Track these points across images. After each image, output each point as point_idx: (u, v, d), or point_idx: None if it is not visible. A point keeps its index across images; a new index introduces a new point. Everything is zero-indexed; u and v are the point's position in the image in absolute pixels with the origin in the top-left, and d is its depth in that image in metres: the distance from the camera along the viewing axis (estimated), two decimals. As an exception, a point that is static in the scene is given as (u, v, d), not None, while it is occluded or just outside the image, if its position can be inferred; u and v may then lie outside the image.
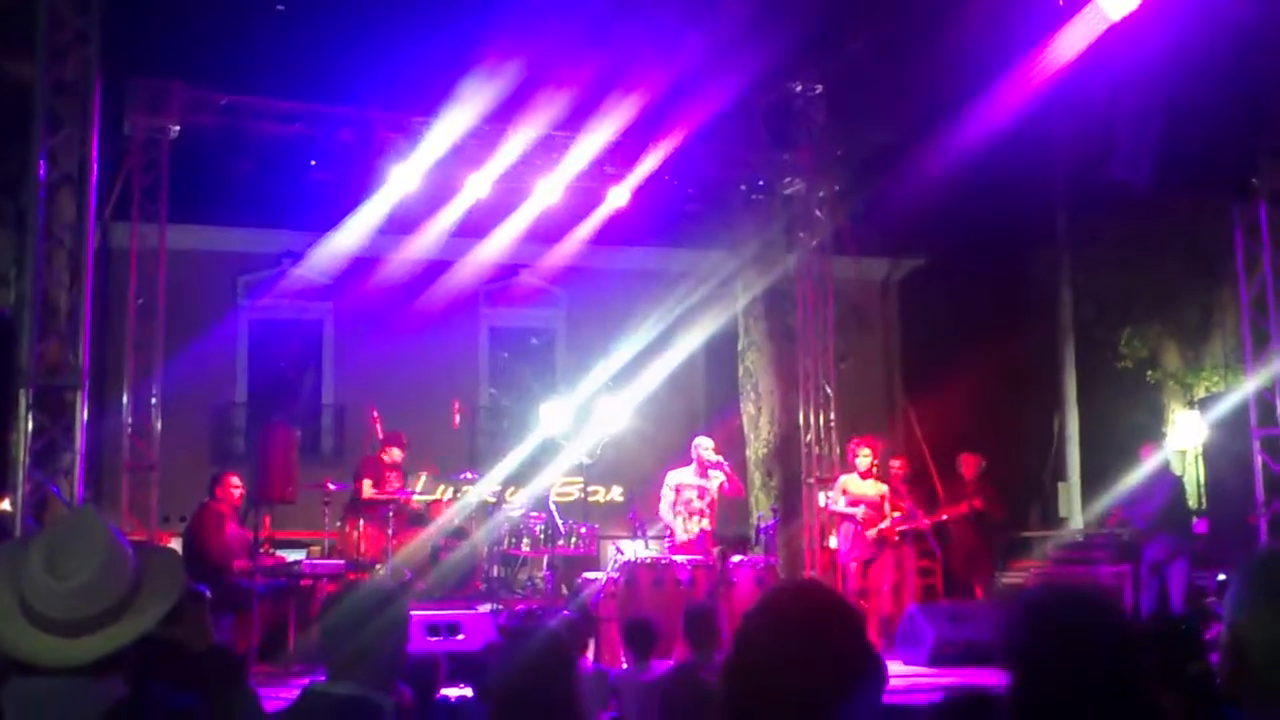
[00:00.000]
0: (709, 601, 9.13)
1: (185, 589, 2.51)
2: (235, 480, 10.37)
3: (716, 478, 10.70)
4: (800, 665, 2.12)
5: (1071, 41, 10.59)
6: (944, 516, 12.64)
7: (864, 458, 11.34)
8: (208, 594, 3.14)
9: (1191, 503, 13.57)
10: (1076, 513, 17.26)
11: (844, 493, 11.38)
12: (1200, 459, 14.12)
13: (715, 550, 10.25)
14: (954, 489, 12.58)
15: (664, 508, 10.67)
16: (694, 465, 10.73)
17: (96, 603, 2.19)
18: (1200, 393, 15.89)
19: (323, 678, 2.94)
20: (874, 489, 11.30)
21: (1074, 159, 15.59)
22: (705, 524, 10.61)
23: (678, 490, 10.67)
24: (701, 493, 10.67)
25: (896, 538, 11.55)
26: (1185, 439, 14.19)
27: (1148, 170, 10.17)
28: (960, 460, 12.56)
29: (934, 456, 16.01)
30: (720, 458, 10.74)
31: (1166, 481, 11.51)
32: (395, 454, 11.46)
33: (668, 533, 10.68)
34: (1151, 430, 15.68)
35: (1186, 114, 9.85)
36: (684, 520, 10.58)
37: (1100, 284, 17.54)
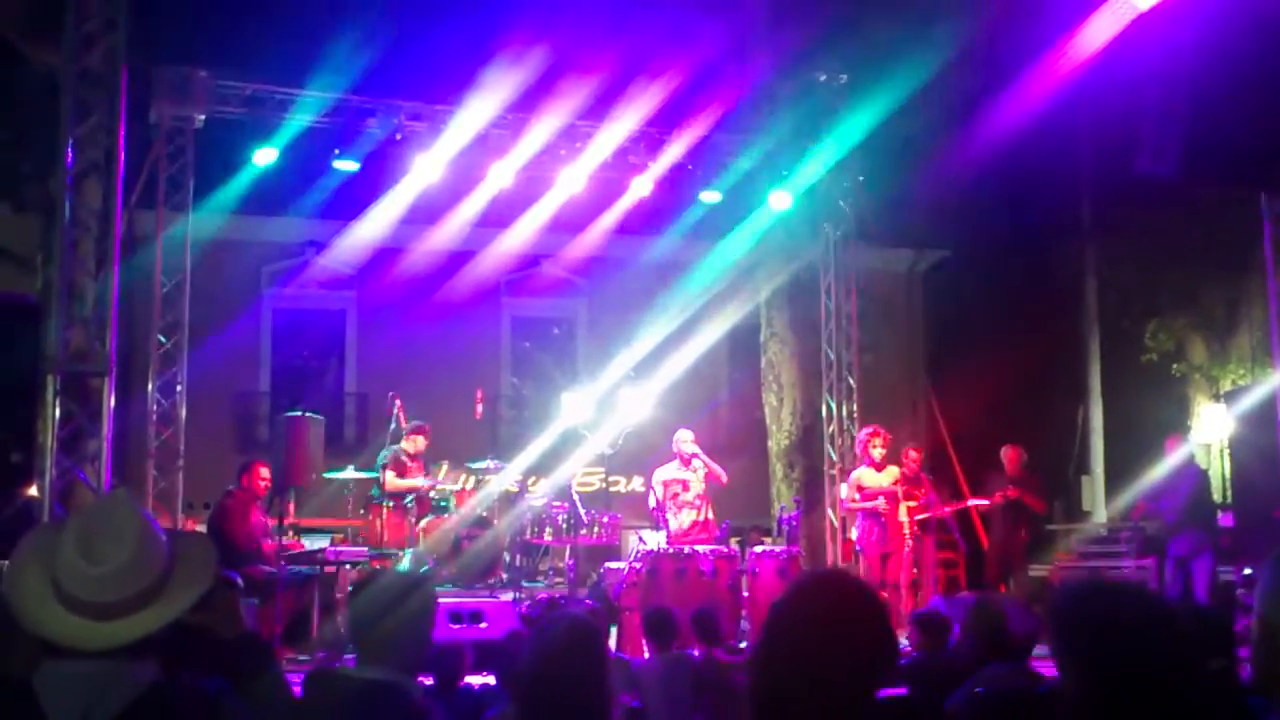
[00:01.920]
0: (724, 598, 9.16)
1: (217, 576, 2.53)
2: (264, 471, 10.41)
3: (700, 468, 10.74)
4: (827, 653, 2.12)
5: (1099, 31, 10.52)
6: (969, 505, 12.57)
7: (878, 449, 11.26)
8: (239, 582, 3.16)
9: (1217, 497, 13.47)
10: (1100, 506, 17.20)
11: (859, 489, 11.31)
12: (1226, 452, 14.03)
13: (735, 540, 10.27)
14: (994, 481, 12.51)
15: (651, 503, 10.76)
16: (676, 460, 10.80)
17: (129, 587, 2.20)
18: (1226, 385, 15.78)
19: (350, 662, 2.96)
20: (888, 477, 11.23)
21: (1099, 150, 15.51)
22: (696, 515, 10.65)
23: (665, 486, 10.75)
24: (685, 486, 10.72)
25: (916, 529, 11.49)
26: (1211, 432, 14.10)
27: (1174, 161, 10.09)
28: (1003, 453, 12.49)
29: (957, 448, 15.96)
30: (698, 449, 10.77)
31: (1191, 475, 11.44)
32: (419, 443, 11.50)
33: (663, 526, 10.69)
34: (1177, 423, 15.58)
35: (1213, 104, 9.76)
36: (674, 514, 10.63)
37: (1125, 276, 17.44)
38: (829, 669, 2.12)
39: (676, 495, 10.72)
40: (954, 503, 12.53)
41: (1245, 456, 12.20)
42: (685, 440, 10.87)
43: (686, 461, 10.80)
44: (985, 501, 12.46)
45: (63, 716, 2.13)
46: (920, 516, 11.52)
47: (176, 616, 2.25)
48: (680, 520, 10.61)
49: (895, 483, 11.18)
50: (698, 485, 10.77)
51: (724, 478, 10.96)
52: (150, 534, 2.26)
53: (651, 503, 10.79)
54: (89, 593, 2.18)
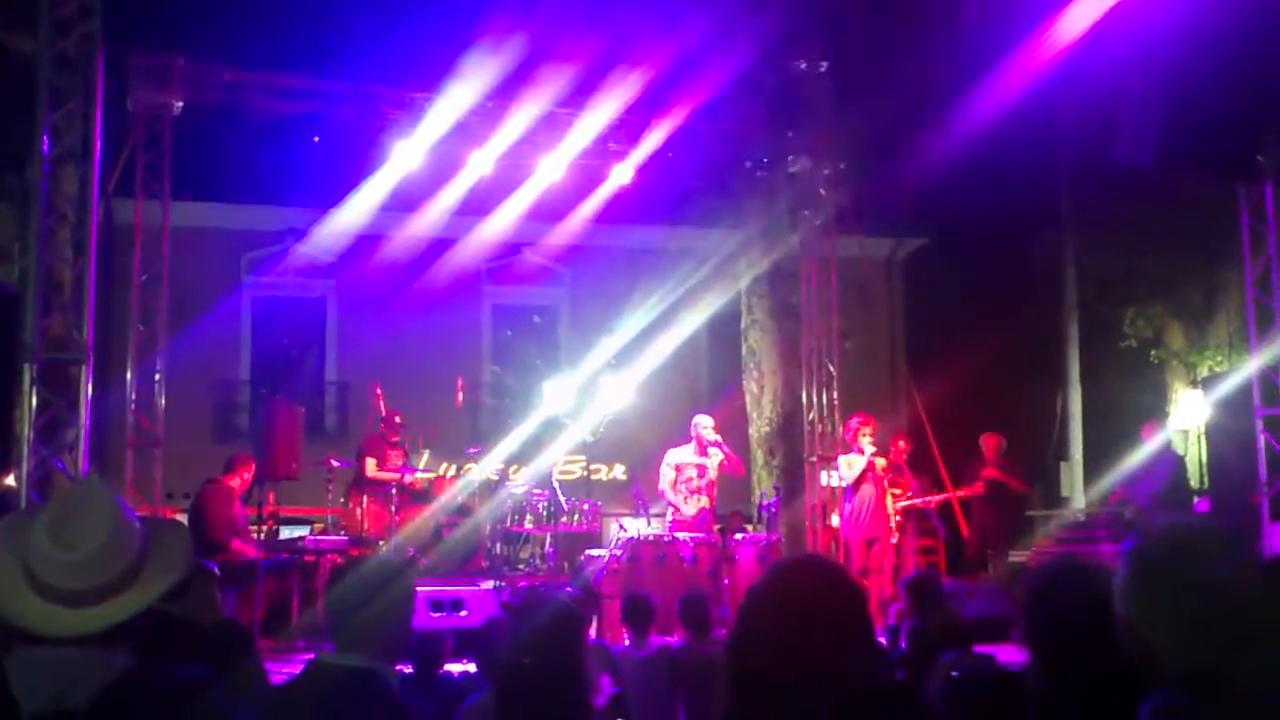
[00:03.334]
0: (705, 585, 9.15)
1: (193, 563, 2.52)
2: (251, 466, 10.41)
3: (716, 456, 10.67)
4: (803, 637, 2.13)
5: (1077, 20, 10.55)
6: (954, 495, 12.63)
7: (866, 436, 11.23)
8: (216, 571, 3.16)
9: (1193, 482, 13.57)
10: (1079, 492, 17.29)
11: (849, 467, 11.31)
12: (1203, 438, 14.13)
13: (716, 528, 10.25)
14: (973, 468, 12.59)
15: (665, 486, 10.65)
16: (693, 444, 10.71)
17: (102, 573, 2.20)
18: (1203, 372, 15.88)
19: (329, 649, 2.96)
20: (879, 463, 11.22)
21: (1079, 138, 15.54)
22: (705, 502, 10.59)
23: (678, 469, 10.64)
24: (701, 471, 10.63)
25: (900, 516, 11.52)
26: (1188, 418, 14.19)
27: (1152, 149, 10.15)
28: (982, 440, 12.57)
29: (936, 435, 16.01)
30: (719, 437, 10.72)
31: (1168, 461, 11.52)
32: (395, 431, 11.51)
33: (670, 510, 10.67)
34: (1155, 410, 15.67)
35: (1191, 93, 9.82)
36: (684, 499, 10.57)
37: (1104, 263, 17.50)
38: (805, 653, 2.13)
39: (689, 480, 10.60)
40: (936, 493, 12.56)
41: (1222, 442, 12.29)
42: (706, 426, 10.68)
43: (704, 449, 10.67)
44: (965, 493, 12.54)
45: (35, 702, 2.12)
46: (902, 504, 11.56)
47: (150, 603, 2.25)
48: (688, 508, 10.54)
49: (884, 470, 11.19)
50: (711, 473, 10.66)
51: (743, 469, 10.90)
52: (124, 520, 2.26)
53: (663, 485, 10.64)
54: (62, 579, 2.17)
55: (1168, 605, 1.95)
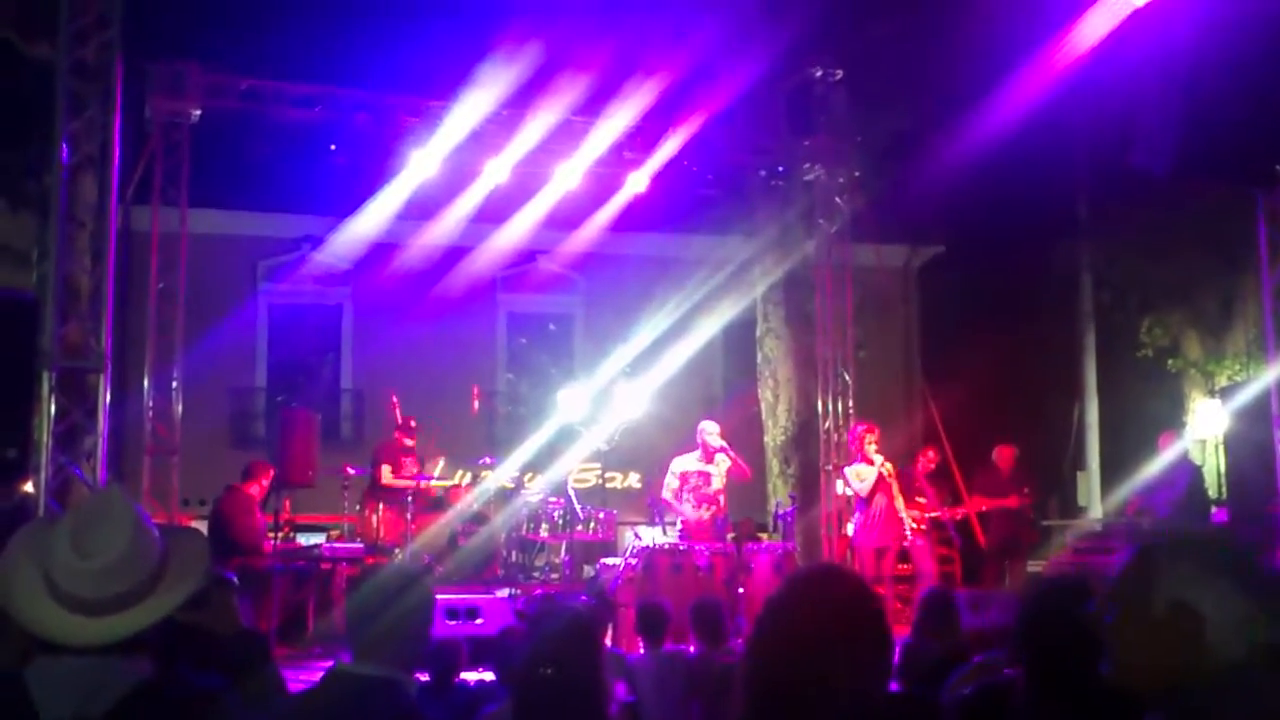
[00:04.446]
0: (720, 594, 9.10)
1: (212, 573, 2.53)
2: (270, 473, 10.44)
3: (723, 463, 10.60)
4: (821, 647, 2.13)
5: (1095, 27, 10.53)
6: (983, 508, 12.57)
7: (872, 444, 11.17)
8: (236, 581, 3.17)
9: (1211, 492, 13.49)
10: (1096, 502, 17.22)
11: (859, 479, 11.28)
12: (1221, 448, 14.05)
13: (730, 536, 10.21)
14: (989, 480, 12.52)
15: (668, 495, 10.55)
16: (699, 451, 10.65)
17: (122, 582, 2.20)
18: (1221, 381, 15.78)
19: (346, 658, 2.96)
20: (887, 470, 11.17)
21: (1096, 146, 15.50)
22: (714, 511, 10.53)
23: (683, 478, 10.55)
24: (706, 479, 10.53)
25: (925, 525, 11.49)
26: (1206, 428, 14.12)
27: (1170, 157, 10.10)
28: (997, 452, 12.50)
29: (953, 444, 15.97)
30: (725, 443, 10.66)
31: (1186, 470, 11.46)
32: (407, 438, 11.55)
33: (679, 518, 10.63)
34: (1172, 419, 15.60)
35: (1210, 100, 9.77)
36: (692, 507, 10.50)
37: (1121, 272, 17.44)
38: (822, 663, 2.12)
39: (698, 488, 10.52)
40: (955, 507, 12.50)
41: (1240, 452, 12.20)
42: (711, 433, 10.59)
43: (710, 455, 10.58)
44: (985, 507, 12.48)
45: (54, 712, 2.13)
46: (929, 516, 11.51)
47: (170, 612, 2.25)
48: (699, 514, 10.47)
49: (891, 476, 11.12)
50: (719, 480, 10.59)
51: (749, 473, 10.85)
52: (143, 529, 2.26)
53: (666, 493, 10.58)
54: (82, 588, 2.17)
55: (1159, 615, 1.88)
